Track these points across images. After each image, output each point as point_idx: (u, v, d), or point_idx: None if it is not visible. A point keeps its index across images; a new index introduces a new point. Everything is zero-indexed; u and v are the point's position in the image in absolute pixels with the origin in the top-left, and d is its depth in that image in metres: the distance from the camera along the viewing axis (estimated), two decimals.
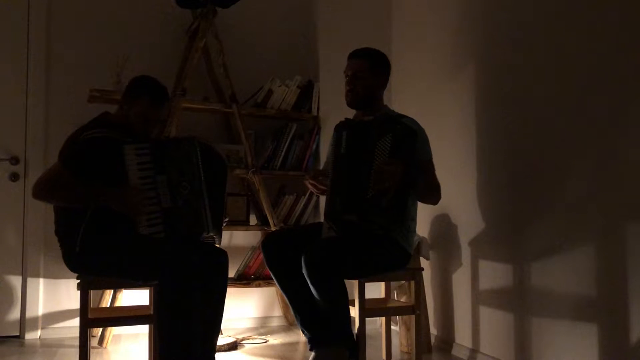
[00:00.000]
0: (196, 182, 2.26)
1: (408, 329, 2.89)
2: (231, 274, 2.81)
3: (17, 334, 3.21)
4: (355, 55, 2.51)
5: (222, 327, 2.42)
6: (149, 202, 2.19)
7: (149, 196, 2.19)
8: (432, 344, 3.02)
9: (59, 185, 2.16)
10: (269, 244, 2.43)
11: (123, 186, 2.17)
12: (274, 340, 3.25)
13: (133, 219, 2.17)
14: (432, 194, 2.42)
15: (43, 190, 2.18)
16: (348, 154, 2.36)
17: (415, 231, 2.50)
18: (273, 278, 2.43)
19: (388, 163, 2.20)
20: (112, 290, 3.06)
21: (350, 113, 2.58)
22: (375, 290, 2.82)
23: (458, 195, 2.89)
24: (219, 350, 2.85)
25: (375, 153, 2.27)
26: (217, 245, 2.41)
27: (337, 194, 2.35)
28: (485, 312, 2.71)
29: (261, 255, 2.83)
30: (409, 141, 2.29)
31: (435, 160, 2.46)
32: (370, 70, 2.47)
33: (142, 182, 2.20)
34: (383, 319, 2.74)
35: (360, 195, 2.26)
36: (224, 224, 2.44)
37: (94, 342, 3.05)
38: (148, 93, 2.32)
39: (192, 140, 2.29)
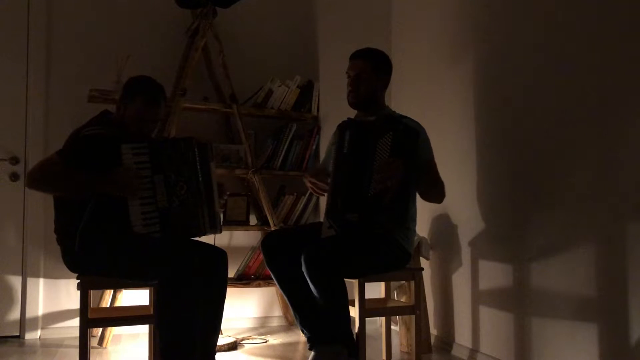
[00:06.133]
0: (193, 182, 2.26)
1: (408, 329, 2.89)
2: (231, 274, 2.82)
3: (17, 334, 3.21)
4: (358, 55, 2.50)
5: (222, 327, 2.42)
6: (146, 200, 2.19)
7: (145, 188, 2.19)
8: (432, 344, 3.02)
9: (53, 173, 2.16)
10: (268, 244, 2.43)
11: (116, 167, 2.16)
12: (274, 340, 3.25)
13: (129, 218, 2.17)
14: (437, 192, 2.42)
15: (36, 178, 2.18)
16: (350, 153, 2.35)
17: (415, 231, 2.50)
18: (273, 278, 2.43)
19: (389, 162, 2.20)
20: (112, 290, 3.07)
21: (351, 112, 2.58)
22: (375, 290, 2.82)
23: (458, 195, 2.88)
24: (219, 350, 2.85)
25: (377, 152, 2.27)
26: (218, 234, 2.41)
27: (338, 192, 2.35)
28: (485, 312, 2.71)
29: (261, 255, 2.83)
30: (410, 141, 2.29)
31: (435, 160, 2.46)
32: (373, 71, 2.47)
33: (139, 182, 2.20)
34: (383, 319, 2.74)
35: (361, 195, 2.27)
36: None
37: (94, 342, 3.05)
38: (142, 93, 2.32)
39: (189, 140, 2.30)
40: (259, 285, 3.43)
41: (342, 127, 2.44)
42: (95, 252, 2.18)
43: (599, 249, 2.09)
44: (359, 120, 2.52)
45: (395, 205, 2.26)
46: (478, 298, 2.76)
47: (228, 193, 2.58)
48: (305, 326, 2.37)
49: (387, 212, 2.25)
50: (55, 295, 3.27)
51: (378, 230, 2.33)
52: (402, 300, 2.90)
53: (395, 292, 2.99)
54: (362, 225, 2.32)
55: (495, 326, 2.63)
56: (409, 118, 2.44)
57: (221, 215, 2.41)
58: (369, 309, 2.40)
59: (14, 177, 3.26)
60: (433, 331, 3.11)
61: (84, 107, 3.08)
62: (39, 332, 3.24)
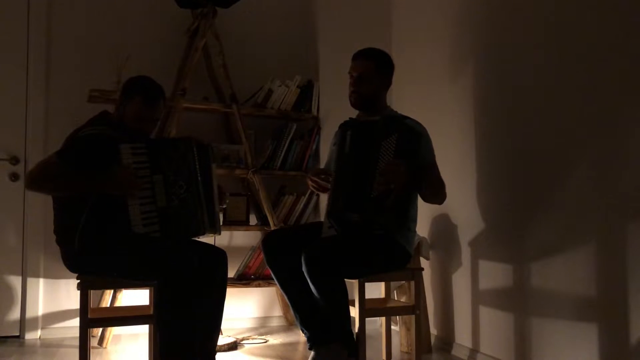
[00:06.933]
0: (192, 182, 2.26)
1: (408, 329, 2.89)
2: (231, 274, 2.82)
3: (17, 334, 3.21)
4: (360, 55, 2.49)
5: (222, 327, 2.42)
6: (145, 200, 2.19)
7: (144, 188, 2.19)
8: (432, 344, 3.02)
9: (52, 174, 2.16)
10: (269, 243, 2.43)
11: (114, 166, 2.16)
12: (274, 340, 3.25)
13: (128, 217, 2.17)
14: (438, 193, 2.41)
15: (36, 179, 2.18)
16: (352, 153, 2.35)
17: (415, 231, 2.50)
18: (273, 277, 2.43)
19: (393, 164, 2.20)
20: (112, 290, 3.07)
21: (351, 112, 2.58)
22: (375, 290, 2.82)
23: (458, 195, 2.88)
24: (219, 350, 2.85)
25: (380, 153, 2.26)
26: (218, 235, 2.41)
27: (339, 192, 2.35)
28: (485, 312, 2.71)
29: (261, 255, 2.83)
30: (414, 143, 2.29)
31: (436, 160, 2.46)
32: (375, 72, 2.46)
33: (138, 182, 2.19)
34: (383, 319, 2.74)
35: (363, 195, 2.26)
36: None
37: (94, 342, 3.05)
38: (141, 92, 2.32)
39: (188, 140, 2.30)
40: (259, 285, 3.44)
41: (344, 127, 2.44)
42: (95, 252, 2.18)
43: (599, 249, 2.09)
44: (361, 120, 2.51)
45: (397, 207, 2.26)
46: (478, 298, 2.76)
47: (228, 194, 2.57)
48: (305, 326, 2.37)
49: (388, 213, 2.25)
50: (55, 295, 3.27)
51: (378, 231, 2.33)
52: (402, 300, 2.90)
53: (395, 292, 2.99)
54: (363, 226, 2.32)
55: (495, 326, 2.63)
56: (411, 118, 2.44)
57: (221, 217, 2.41)
58: (369, 309, 2.40)
59: (14, 177, 3.26)
60: (433, 331, 3.11)
61: (84, 108, 3.08)
62: (39, 332, 3.24)
